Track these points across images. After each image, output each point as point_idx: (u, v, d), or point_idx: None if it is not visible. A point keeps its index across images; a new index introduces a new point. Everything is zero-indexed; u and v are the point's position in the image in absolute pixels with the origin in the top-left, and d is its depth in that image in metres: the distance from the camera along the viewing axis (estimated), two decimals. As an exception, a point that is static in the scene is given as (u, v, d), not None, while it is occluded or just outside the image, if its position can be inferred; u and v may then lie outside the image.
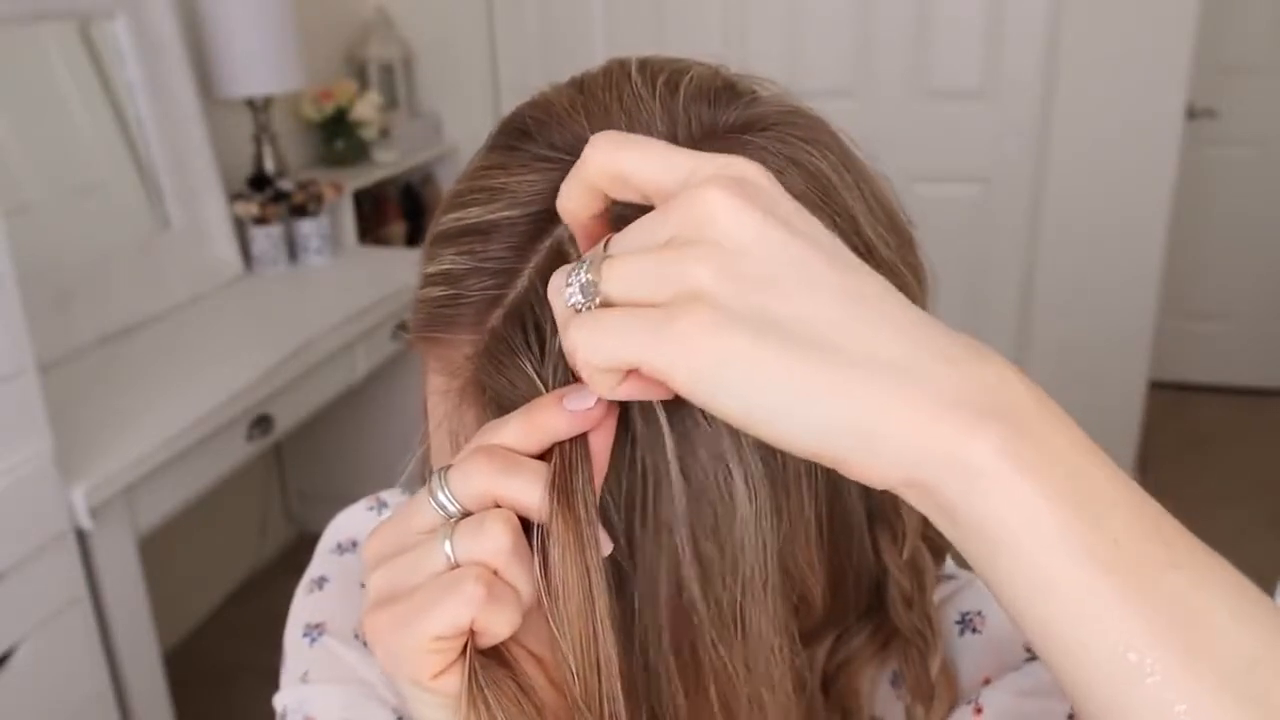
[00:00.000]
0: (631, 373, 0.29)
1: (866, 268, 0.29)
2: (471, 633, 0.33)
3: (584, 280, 0.29)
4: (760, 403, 0.27)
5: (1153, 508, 0.28)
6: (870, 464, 0.27)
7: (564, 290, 0.30)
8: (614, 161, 0.30)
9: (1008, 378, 0.28)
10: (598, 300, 0.29)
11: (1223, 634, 0.26)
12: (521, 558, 0.33)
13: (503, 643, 0.34)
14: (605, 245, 0.30)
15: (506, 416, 0.34)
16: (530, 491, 0.33)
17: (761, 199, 0.28)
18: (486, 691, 0.33)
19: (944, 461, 0.27)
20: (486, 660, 0.33)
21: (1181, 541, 0.28)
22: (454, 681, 0.33)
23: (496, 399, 0.36)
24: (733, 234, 0.28)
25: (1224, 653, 0.26)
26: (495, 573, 0.32)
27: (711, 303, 0.27)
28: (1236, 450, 2.97)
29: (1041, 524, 0.26)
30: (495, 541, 0.32)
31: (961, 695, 0.46)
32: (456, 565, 0.32)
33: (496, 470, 0.33)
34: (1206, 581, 0.27)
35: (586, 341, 0.29)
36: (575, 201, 0.32)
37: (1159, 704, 0.26)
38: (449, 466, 0.34)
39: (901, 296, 0.29)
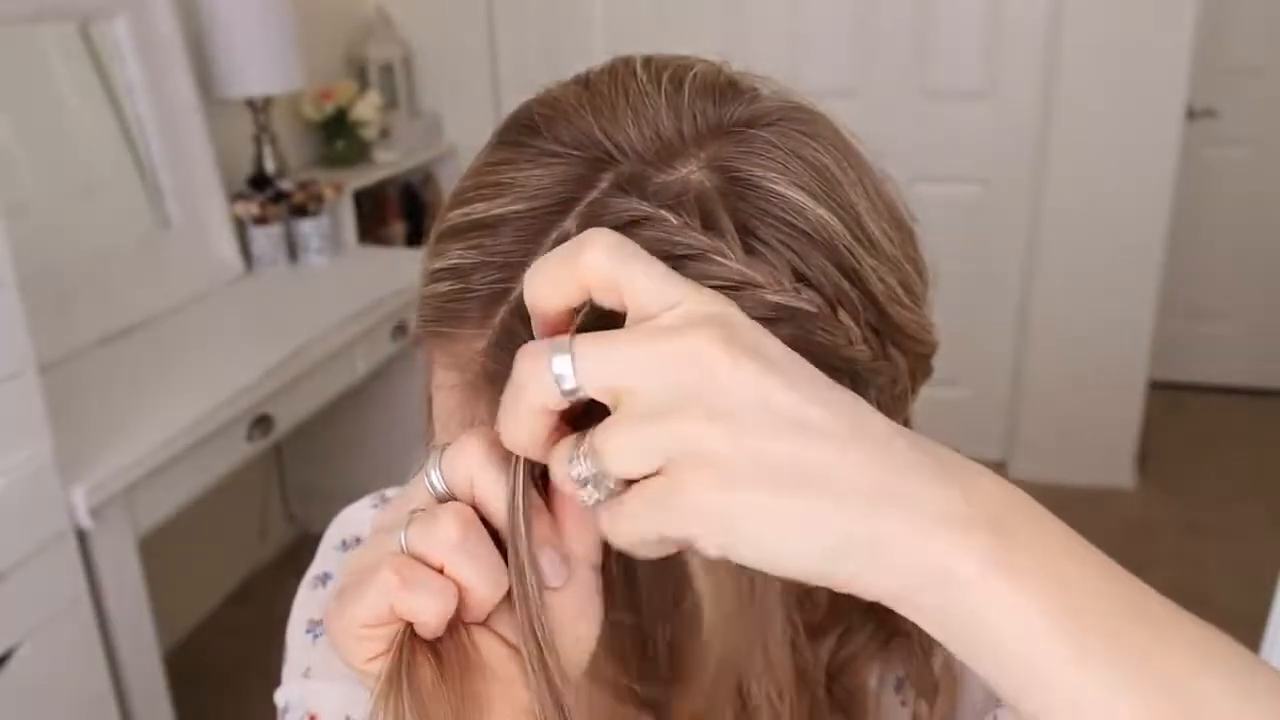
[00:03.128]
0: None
1: (851, 397, 0.30)
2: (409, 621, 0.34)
3: (585, 470, 0.30)
4: (774, 548, 0.28)
5: (1139, 592, 0.29)
6: (871, 583, 0.29)
7: (573, 485, 0.30)
8: (615, 270, 0.30)
9: (991, 490, 0.29)
10: (609, 482, 0.30)
11: (1222, 713, 0.27)
12: (473, 552, 0.33)
13: (479, 634, 0.34)
14: (571, 339, 0.30)
15: None
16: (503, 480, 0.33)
17: (750, 342, 0.29)
18: (404, 679, 0.33)
19: (935, 576, 0.28)
20: (422, 649, 0.34)
21: (1170, 622, 0.28)
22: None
23: None
24: (728, 387, 0.28)
25: None
26: (442, 568, 0.33)
27: (713, 461, 0.28)
28: (1236, 450, 2.97)
29: (1031, 627, 0.27)
30: (443, 534, 0.33)
31: (972, 701, 0.46)
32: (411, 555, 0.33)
33: (483, 455, 0.33)
34: (1198, 660, 0.28)
35: (612, 531, 0.30)
36: (556, 293, 0.31)
37: None
38: (446, 445, 0.34)
39: (888, 422, 0.30)
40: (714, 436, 0.28)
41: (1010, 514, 0.29)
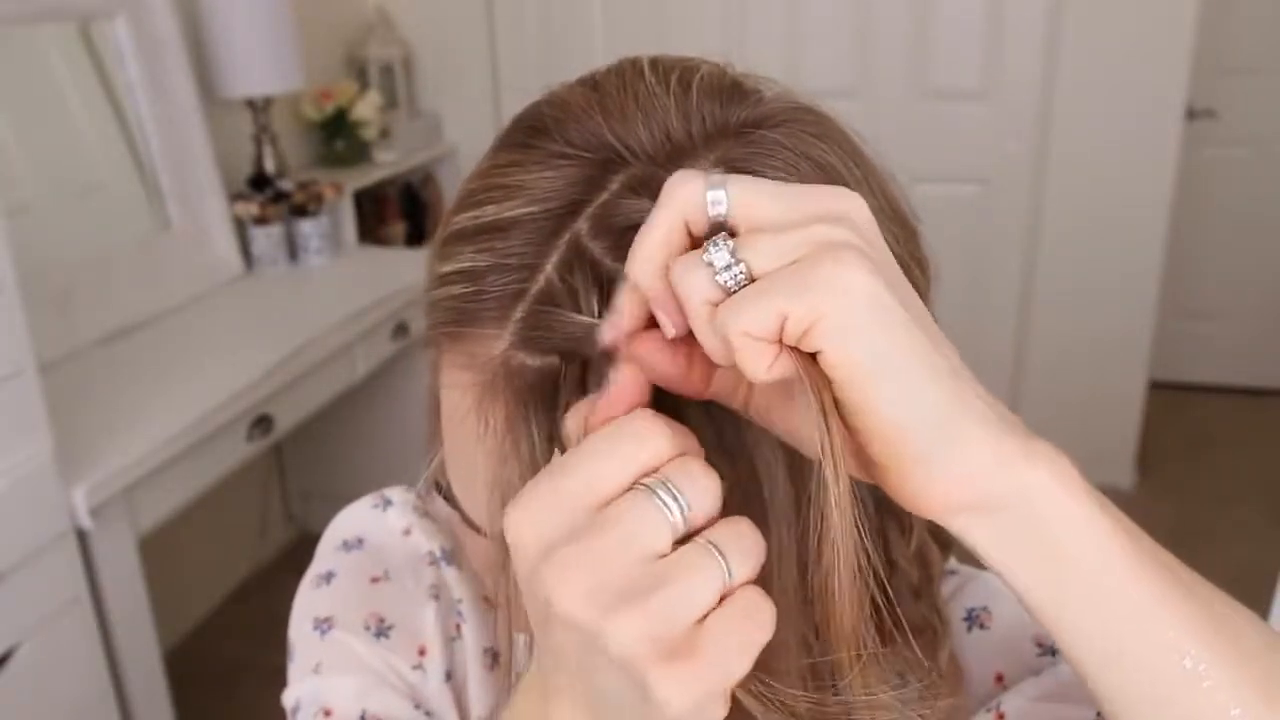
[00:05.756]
0: (782, 351, 0.29)
1: None
2: None
3: (725, 258, 0.29)
4: (887, 355, 0.28)
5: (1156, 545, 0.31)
6: (946, 473, 0.29)
7: (700, 275, 0.29)
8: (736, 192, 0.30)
9: (1024, 426, 0.30)
10: (741, 268, 0.29)
11: (1252, 643, 0.28)
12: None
13: None
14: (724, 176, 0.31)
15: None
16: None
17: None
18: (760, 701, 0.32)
19: (1013, 484, 0.28)
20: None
21: (1190, 569, 0.30)
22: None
23: (550, 364, 0.36)
24: (868, 228, 0.30)
25: (1259, 661, 0.28)
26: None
27: (857, 248, 0.28)
28: (1236, 450, 2.96)
29: (1097, 540, 0.28)
30: (761, 552, 0.29)
31: (973, 692, 0.46)
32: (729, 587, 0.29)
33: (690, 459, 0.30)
34: (1224, 597, 0.29)
35: (735, 311, 0.29)
36: (660, 244, 0.31)
37: (1215, 708, 0.27)
38: (661, 475, 0.30)
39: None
40: (858, 240, 0.29)
41: (1050, 445, 0.30)
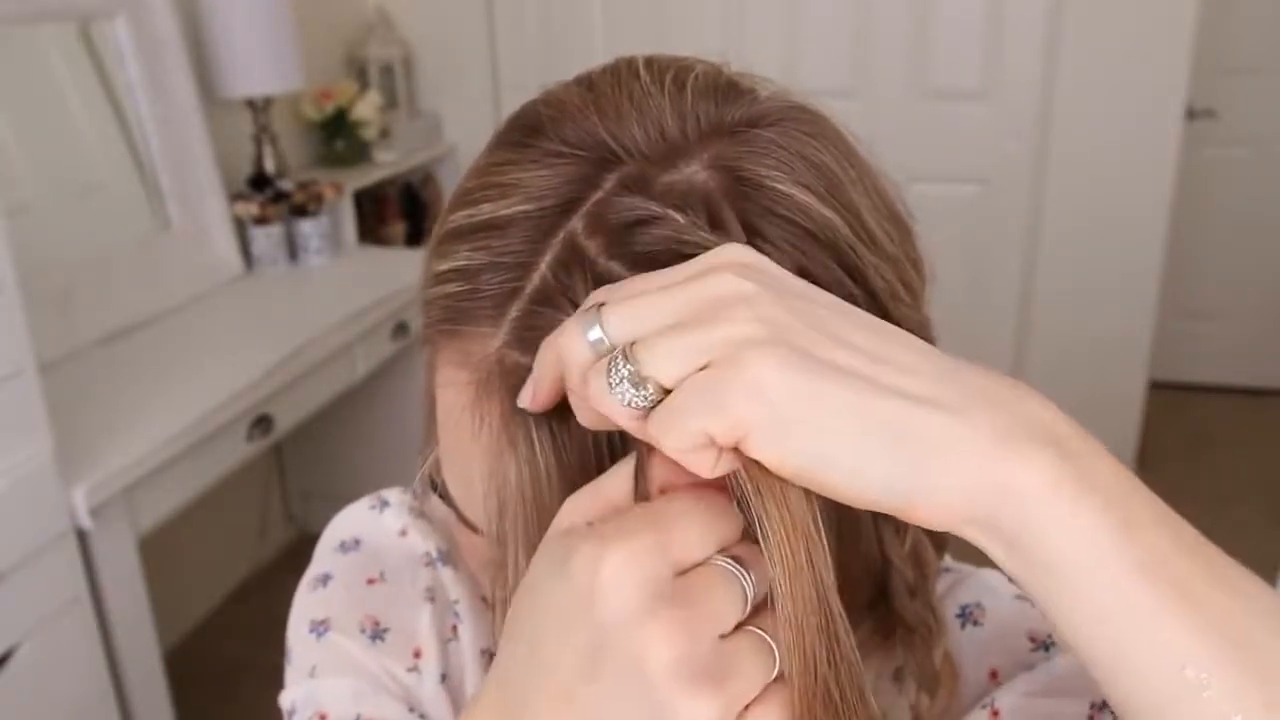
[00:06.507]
0: (723, 451, 0.29)
1: (878, 320, 0.30)
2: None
3: (627, 373, 0.29)
4: (832, 448, 0.28)
5: (1189, 529, 0.29)
6: (933, 502, 0.28)
7: (612, 394, 0.29)
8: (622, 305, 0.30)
9: (1046, 412, 0.29)
10: (650, 386, 0.29)
11: (1265, 650, 0.27)
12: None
13: None
14: (600, 307, 0.31)
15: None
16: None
17: (774, 273, 0.30)
18: None
19: (1001, 494, 0.28)
20: None
21: (1219, 560, 0.29)
22: None
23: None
24: (759, 292, 0.29)
25: (1269, 668, 0.27)
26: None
27: (769, 342, 0.28)
28: (1236, 450, 2.97)
29: (1095, 549, 0.27)
30: (788, 650, 0.30)
31: (968, 689, 0.46)
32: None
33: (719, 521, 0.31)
34: (1246, 598, 0.28)
35: (661, 432, 0.29)
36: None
37: (1217, 716, 0.27)
38: (737, 557, 0.31)
39: (920, 341, 0.30)
40: (761, 333, 0.28)
41: (1065, 436, 0.29)
